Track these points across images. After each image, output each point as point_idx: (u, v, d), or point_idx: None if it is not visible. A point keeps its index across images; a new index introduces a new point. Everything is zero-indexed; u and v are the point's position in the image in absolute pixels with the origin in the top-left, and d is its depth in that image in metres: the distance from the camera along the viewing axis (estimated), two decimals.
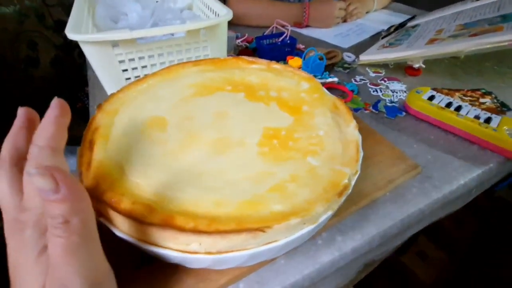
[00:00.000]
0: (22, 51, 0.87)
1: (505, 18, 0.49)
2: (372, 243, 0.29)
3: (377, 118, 0.44)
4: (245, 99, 0.35)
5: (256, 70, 0.39)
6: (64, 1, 0.95)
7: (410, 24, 0.68)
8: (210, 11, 0.52)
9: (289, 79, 0.38)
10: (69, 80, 0.99)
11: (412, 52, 0.51)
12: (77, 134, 0.54)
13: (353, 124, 0.30)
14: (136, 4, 0.56)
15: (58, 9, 0.94)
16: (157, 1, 0.63)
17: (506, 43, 0.42)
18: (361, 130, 0.38)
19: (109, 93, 0.44)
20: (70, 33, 0.36)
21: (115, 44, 0.39)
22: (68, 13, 0.53)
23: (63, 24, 0.51)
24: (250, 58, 0.41)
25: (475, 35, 0.47)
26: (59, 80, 0.95)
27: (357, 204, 0.30)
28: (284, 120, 0.32)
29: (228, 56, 0.56)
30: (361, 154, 0.27)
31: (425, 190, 0.33)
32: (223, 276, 0.25)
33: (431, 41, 0.52)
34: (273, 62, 0.40)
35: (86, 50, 0.38)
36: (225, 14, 0.43)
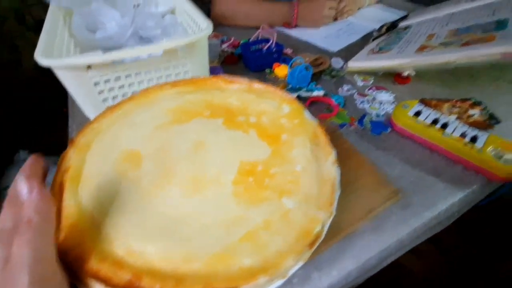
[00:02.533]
0: (3, 55, 0.84)
1: (499, 24, 0.47)
2: (348, 278, 0.29)
3: (362, 135, 0.43)
4: (223, 126, 0.34)
5: (237, 91, 0.38)
6: None
7: (402, 24, 0.66)
8: (191, 20, 0.50)
9: (271, 101, 0.37)
10: (54, 83, 0.96)
11: (401, 61, 0.50)
12: (64, 140, 0.53)
13: (331, 158, 0.29)
14: (114, 12, 0.54)
15: (38, 7, 0.90)
16: (138, 5, 0.60)
17: (499, 56, 0.41)
18: (344, 151, 0.37)
19: (86, 114, 0.43)
20: (40, 58, 0.34)
21: (89, 66, 0.37)
22: None
23: None
24: (230, 78, 0.39)
25: (466, 44, 0.45)
26: (43, 83, 0.93)
27: (335, 238, 0.30)
28: (261, 151, 0.31)
29: (212, 65, 0.55)
30: (338, 194, 0.27)
31: (405, 218, 0.33)
32: None
33: (422, 48, 0.50)
34: (254, 81, 0.39)
35: (59, 74, 0.36)
36: (205, 28, 0.41)
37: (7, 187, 0.66)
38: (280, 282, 0.21)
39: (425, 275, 0.98)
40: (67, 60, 0.35)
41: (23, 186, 0.20)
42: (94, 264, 0.21)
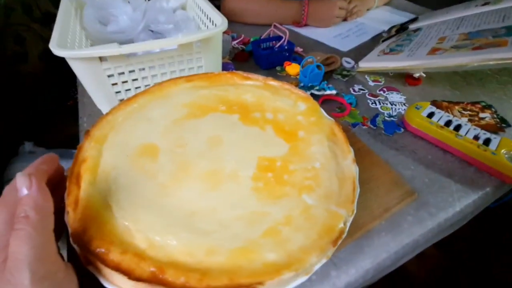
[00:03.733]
0: (9, 46, 0.83)
1: (509, 30, 0.47)
2: (366, 276, 0.29)
3: (375, 135, 0.43)
4: (239, 121, 0.34)
5: (252, 87, 0.38)
6: None
7: (412, 27, 0.66)
8: (204, 15, 0.50)
9: (286, 99, 0.36)
10: (60, 75, 0.96)
11: (413, 62, 0.50)
12: (69, 133, 0.51)
13: (350, 156, 0.29)
14: (126, 5, 0.53)
15: (45, 0, 0.89)
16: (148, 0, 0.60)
17: (510, 61, 0.41)
18: (358, 151, 0.37)
19: (98, 106, 0.42)
20: (55, 49, 0.34)
21: (103, 58, 0.37)
22: (56, 5, 0.50)
23: (52, 16, 0.48)
24: (245, 74, 0.39)
25: (478, 48, 0.45)
26: (49, 76, 0.92)
27: (352, 236, 0.30)
28: (279, 148, 0.31)
29: (223, 61, 0.54)
30: (358, 191, 0.26)
31: (421, 218, 0.32)
32: None
33: (433, 51, 0.50)
34: (269, 78, 0.39)
35: (73, 65, 0.36)
36: (220, 24, 0.41)
37: (11, 179, 0.65)
38: (303, 278, 0.21)
39: (423, 276, 0.98)
40: (82, 51, 0.34)
41: (22, 182, 0.19)
42: (115, 256, 0.21)
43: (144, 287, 0.19)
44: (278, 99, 0.36)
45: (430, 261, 1.02)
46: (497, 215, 1.10)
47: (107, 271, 0.20)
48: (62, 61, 0.36)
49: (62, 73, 1.05)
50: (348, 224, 0.24)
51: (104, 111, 0.42)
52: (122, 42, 0.52)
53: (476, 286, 0.95)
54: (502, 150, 0.37)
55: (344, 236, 0.23)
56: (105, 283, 0.20)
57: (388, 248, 0.30)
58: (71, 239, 0.22)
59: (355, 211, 0.25)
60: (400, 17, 0.78)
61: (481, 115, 0.47)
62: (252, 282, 0.19)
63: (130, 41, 0.52)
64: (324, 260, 0.22)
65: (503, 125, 0.45)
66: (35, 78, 0.90)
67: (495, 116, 0.47)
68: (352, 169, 0.28)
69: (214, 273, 0.20)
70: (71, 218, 0.23)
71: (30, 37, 0.86)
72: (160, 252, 0.22)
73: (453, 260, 1.02)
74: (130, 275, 0.20)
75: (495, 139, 0.38)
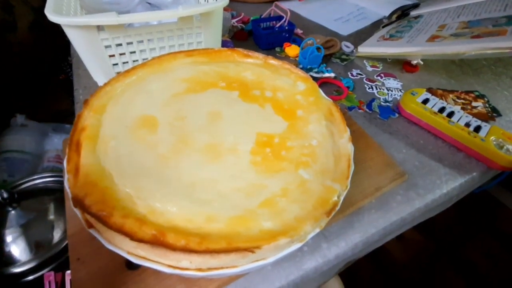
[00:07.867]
0: None
1: (510, 19, 0.48)
2: (355, 250, 0.30)
3: (370, 119, 0.44)
4: (239, 98, 0.34)
5: (252, 65, 0.38)
6: None
7: (413, 13, 0.66)
8: None
9: (286, 78, 0.36)
10: (50, 47, 0.93)
11: (412, 49, 0.50)
12: (61, 108, 0.51)
13: (346, 135, 0.30)
14: None
15: None
16: None
17: (507, 50, 0.42)
18: (353, 133, 0.38)
19: (94, 78, 0.42)
20: (51, 15, 0.33)
21: (101, 28, 0.36)
22: None
23: None
24: (246, 51, 0.39)
25: (477, 36, 0.46)
26: (39, 47, 0.89)
27: (343, 212, 0.31)
28: (278, 125, 0.31)
29: (222, 39, 0.54)
30: (352, 169, 0.27)
31: (409, 198, 0.34)
32: (212, 283, 0.26)
33: (433, 38, 0.50)
34: (270, 57, 0.39)
35: (69, 33, 0.35)
36: None
37: (3, 151, 0.64)
38: (298, 245, 0.22)
39: (407, 261, 1.02)
40: (79, 18, 0.33)
41: None
42: (117, 219, 0.21)
43: (146, 248, 0.20)
44: (277, 78, 0.36)
45: (414, 246, 1.07)
46: (480, 203, 1.15)
47: (109, 233, 0.21)
48: (53, 33, 0.35)
49: (54, 46, 1.02)
50: (342, 198, 0.25)
51: (100, 83, 0.42)
52: (118, 13, 0.50)
53: (458, 271, 1.00)
54: (491, 137, 0.38)
55: (337, 208, 0.24)
56: (107, 245, 0.21)
57: (377, 224, 0.31)
58: (72, 203, 0.23)
59: (348, 187, 0.26)
60: (402, 0, 0.77)
61: (474, 104, 0.48)
62: (250, 246, 0.20)
63: (127, 13, 0.50)
64: (317, 230, 0.23)
65: (494, 114, 0.47)
66: (24, 50, 0.87)
67: (487, 105, 0.48)
68: (347, 147, 0.29)
69: (213, 237, 0.21)
70: (72, 183, 0.24)
71: (18, 6, 0.82)
72: (161, 218, 0.22)
73: (436, 245, 1.07)
74: (133, 236, 0.20)
75: (485, 127, 0.40)
